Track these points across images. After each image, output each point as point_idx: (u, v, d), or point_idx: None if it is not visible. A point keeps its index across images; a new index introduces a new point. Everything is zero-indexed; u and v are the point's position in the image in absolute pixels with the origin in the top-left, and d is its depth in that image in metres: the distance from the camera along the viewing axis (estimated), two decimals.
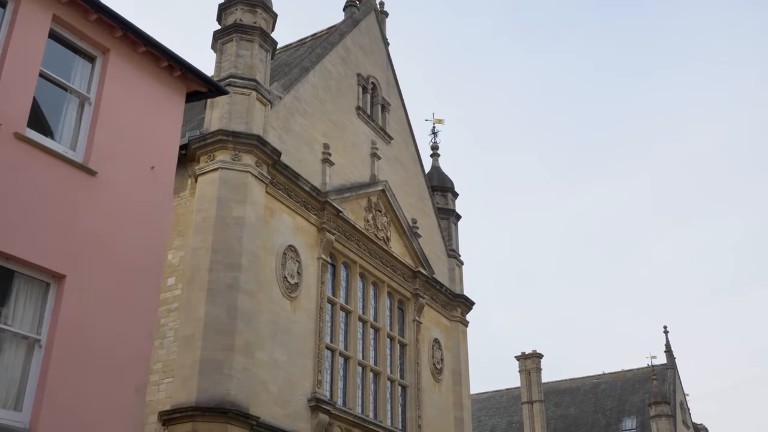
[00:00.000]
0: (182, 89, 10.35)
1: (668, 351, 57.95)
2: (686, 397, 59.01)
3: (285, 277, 18.73)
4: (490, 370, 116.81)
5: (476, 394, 62.62)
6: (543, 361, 56.41)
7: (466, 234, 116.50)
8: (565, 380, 59.78)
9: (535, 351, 56.13)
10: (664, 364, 57.36)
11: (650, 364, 56.13)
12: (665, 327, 59.40)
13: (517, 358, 56.34)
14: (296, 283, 19.08)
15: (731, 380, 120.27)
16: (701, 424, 64.56)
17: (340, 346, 20.66)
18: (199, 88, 10.65)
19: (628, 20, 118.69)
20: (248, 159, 18.02)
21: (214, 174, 17.81)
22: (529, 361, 55.77)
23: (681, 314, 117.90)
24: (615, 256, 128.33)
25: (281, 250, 18.81)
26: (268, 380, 17.48)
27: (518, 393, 56.13)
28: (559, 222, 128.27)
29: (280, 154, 18.86)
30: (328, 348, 20.03)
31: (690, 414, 59.06)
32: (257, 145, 18.08)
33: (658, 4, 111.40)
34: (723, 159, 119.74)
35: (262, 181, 18.34)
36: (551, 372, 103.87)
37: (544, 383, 56.31)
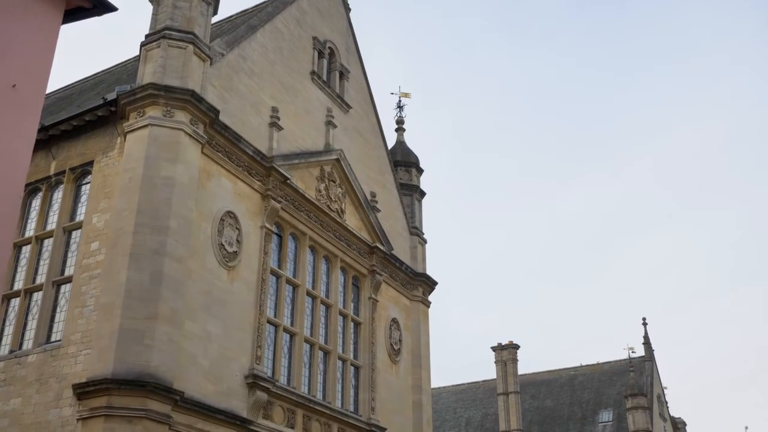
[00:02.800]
0: (60, 4, 9.05)
1: (646, 343, 56.98)
2: (664, 390, 58.08)
3: (222, 245, 17.40)
4: (465, 362, 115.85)
5: (452, 386, 61.57)
6: (521, 353, 55.35)
7: (451, 229, 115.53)
8: (542, 372, 58.74)
9: (512, 342, 55.00)
10: (642, 357, 56.40)
11: (628, 356, 55.14)
12: (644, 319, 58.42)
13: (493, 348, 55.21)
14: (235, 252, 17.76)
15: (711, 378, 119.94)
16: (679, 418, 63.72)
17: (285, 322, 19.35)
18: (82, 3, 9.32)
19: (624, 18, 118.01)
20: (181, 116, 16.66)
21: (143, 131, 16.44)
22: (506, 352, 54.66)
23: (661, 312, 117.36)
24: (598, 252, 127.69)
25: (218, 215, 17.47)
26: (198, 353, 16.15)
27: (494, 385, 55.01)
28: (541, 218, 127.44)
29: (218, 112, 17.52)
30: (270, 323, 18.73)
31: (668, 407, 58.14)
32: (191, 101, 16.73)
33: None
34: (711, 157, 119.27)
35: (198, 140, 16.98)
36: (529, 365, 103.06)
37: (521, 375, 55.22)
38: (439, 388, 61.49)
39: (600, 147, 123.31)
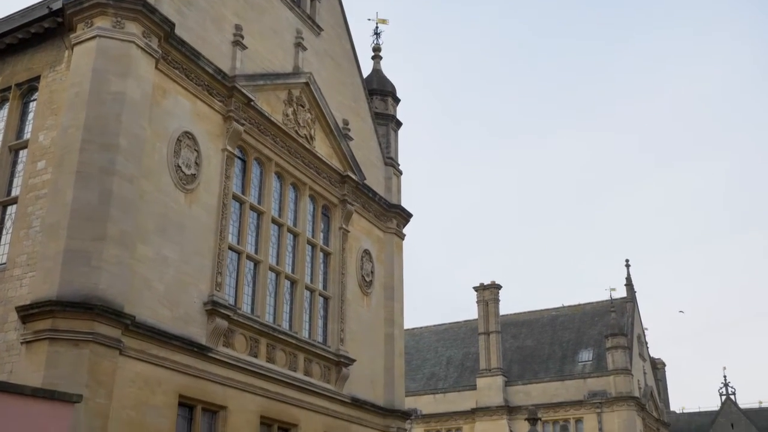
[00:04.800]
0: None
1: (629, 285, 56.91)
2: (644, 330, 58.21)
3: (179, 167, 16.55)
4: (448, 304, 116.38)
5: (434, 326, 61.55)
6: (503, 294, 55.17)
7: (435, 170, 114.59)
8: (524, 312, 58.70)
9: (494, 282, 54.81)
10: (624, 298, 56.36)
11: (610, 296, 55.03)
12: (627, 261, 58.21)
13: (475, 288, 55.03)
14: (193, 175, 16.91)
15: (692, 322, 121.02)
16: (658, 359, 64.09)
17: (249, 249, 18.63)
18: None
19: None
20: (133, 27, 15.61)
21: (90, 43, 15.40)
22: (487, 292, 54.49)
23: (646, 257, 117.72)
24: (585, 200, 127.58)
25: (175, 135, 16.57)
26: (152, 278, 15.44)
27: (476, 325, 54.93)
28: (527, 165, 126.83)
29: (174, 25, 16.48)
30: (233, 249, 18.01)
31: (647, 347, 58.36)
32: (143, 11, 15.67)
33: None
34: (698, 110, 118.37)
35: (151, 55, 15.97)
36: (511, 306, 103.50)
37: (503, 316, 55.14)
38: (421, 327, 61.46)
39: (590, 92, 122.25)
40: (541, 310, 58.54)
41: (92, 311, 13.59)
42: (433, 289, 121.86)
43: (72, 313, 13.52)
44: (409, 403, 50.08)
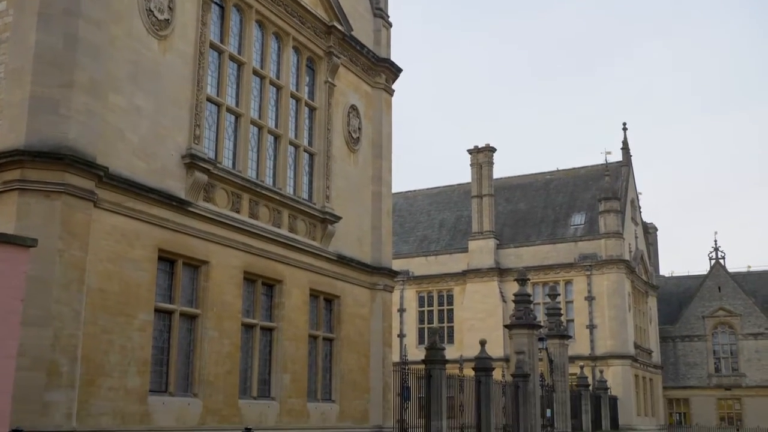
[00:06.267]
0: None
1: (625, 148, 56.55)
2: (638, 195, 58.28)
3: (150, 11, 15.58)
4: (442, 168, 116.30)
5: (427, 189, 61.56)
6: (498, 157, 54.92)
7: (431, 30, 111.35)
8: (517, 176, 58.56)
9: (488, 145, 54.33)
10: (620, 162, 56.12)
11: (605, 160, 54.72)
12: (624, 124, 57.66)
13: (469, 151, 54.61)
14: (167, 20, 15.96)
15: (687, 189, 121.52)
16: (651, 223, 64.55)
17: (229, 101, 17.90)
18: None
19: None
20: None
21: None
22: (481, 155, 54.12)
23: (646, 123, 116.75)
24: (585, 68, 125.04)
25: None
26: (125, 128, 14.82)
27: (469, 188, 54.85)
28: (524, 29, 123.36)
29: None
30: (212, 101, 17.29)
31: (640, 212, 58.59)
32: None
33: None
34: None
35: None
36: (506, 170, 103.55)
37: (496, 179, 55.00)
38: (414, 190, 61.50)
39: None
40: (535, 174, 58.41)
41: (62, 161, 13.06)
42: (428, 153, 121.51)
43: (41, 164, 13.00)
44: (401, 265, 50.77)
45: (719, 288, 61.80)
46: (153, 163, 15.40)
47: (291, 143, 19.92)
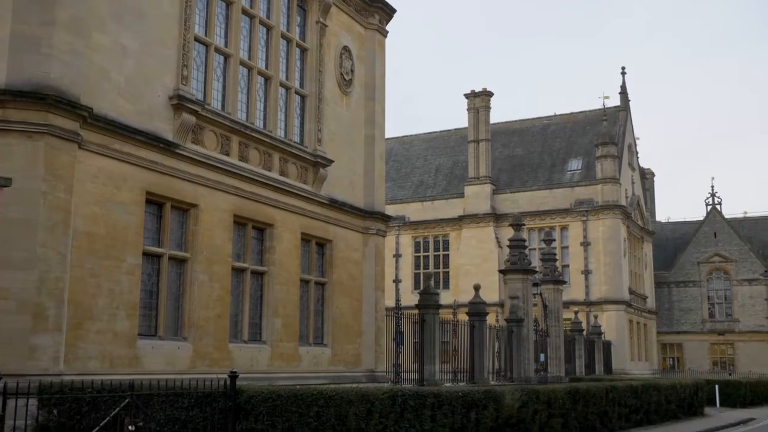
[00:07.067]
0: None
1: (623, 93, 55.83)
2: (636, 140, 57.86)
3: None
4: (439, 113, 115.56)
5: (424, 134, 61.03)
6: (495, 102, 54.23)
7: None
8: (515, 121, 57.98)
9: (485, 89, 53.60)
10: (617, 107, 55.51)
11: (603, 104, 54.15)
12: (623, 68, 56.72)
13: (466, 96, 53.93)
14: None
15: (685, 135, 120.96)
16: (648, 168, 64.24)
17: (217, 42, 17.49)
18: None
19: None
20: None
21: None
22: (478, 100, 53.45)
23: (645, 68, 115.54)
24: (583, 7, 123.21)
25: None
26: (110, 68, 14.48)
27: (466, 133, 54.34)
28: None
29: None
30: (200, 41, 16.90)
31: (638, 157, 58.25)
32: None
33: None
34: None
35: None
36: (503, 115, 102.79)
37: (493, 124, 54.45)
38: (410, 135, 60.99)
39: None
40: (533, 119, 57.84)
41: (44, 101, 12.78)
42: (425, 99, 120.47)
43: (23, 103, 12.73)
44: (397, 210, 50.58)
45: (715, 234, 61.77)
46: (139, 105, 15.09)
47: (282, 85, 19.55)
